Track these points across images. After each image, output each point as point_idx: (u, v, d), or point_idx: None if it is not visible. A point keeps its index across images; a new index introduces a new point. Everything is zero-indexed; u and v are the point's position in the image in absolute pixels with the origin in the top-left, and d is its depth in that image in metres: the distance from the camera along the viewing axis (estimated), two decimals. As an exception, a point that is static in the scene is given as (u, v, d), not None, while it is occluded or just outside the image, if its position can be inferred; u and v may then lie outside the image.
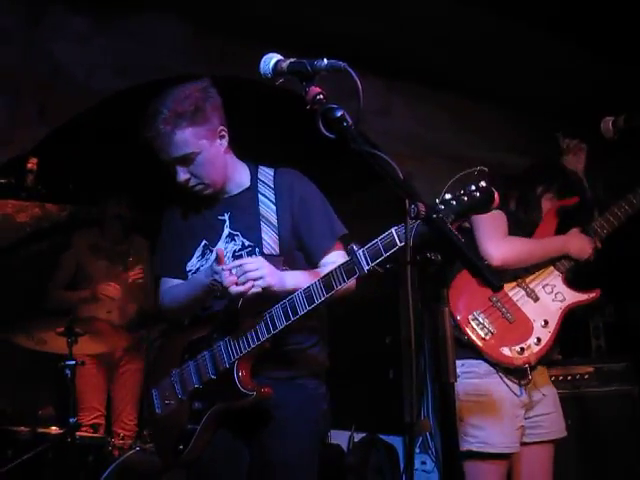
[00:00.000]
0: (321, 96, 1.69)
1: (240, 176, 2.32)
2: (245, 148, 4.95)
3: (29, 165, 5.00)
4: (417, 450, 5.36)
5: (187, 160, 2.17)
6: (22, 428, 3.66)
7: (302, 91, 1.72)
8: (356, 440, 5.25)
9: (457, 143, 4.60)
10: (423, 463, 5.33)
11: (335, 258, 2.26)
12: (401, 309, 5.45)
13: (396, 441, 5.28)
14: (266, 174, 2.34)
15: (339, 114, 1.63)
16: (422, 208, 1.42)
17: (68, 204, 5.28)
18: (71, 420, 3.44)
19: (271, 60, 1.79)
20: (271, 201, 2.27)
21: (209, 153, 2.19)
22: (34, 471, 3.52)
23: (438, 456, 5.19)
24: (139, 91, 3.44)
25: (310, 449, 2.24)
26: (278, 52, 1.80)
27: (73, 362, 3.48)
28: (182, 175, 2.19)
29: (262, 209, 2.25)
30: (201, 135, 2.17)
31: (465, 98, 4.65)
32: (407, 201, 1.48)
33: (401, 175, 1.53)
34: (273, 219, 2.25)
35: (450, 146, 4.53)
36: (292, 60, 1.77)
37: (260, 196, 2.27)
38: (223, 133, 2.23)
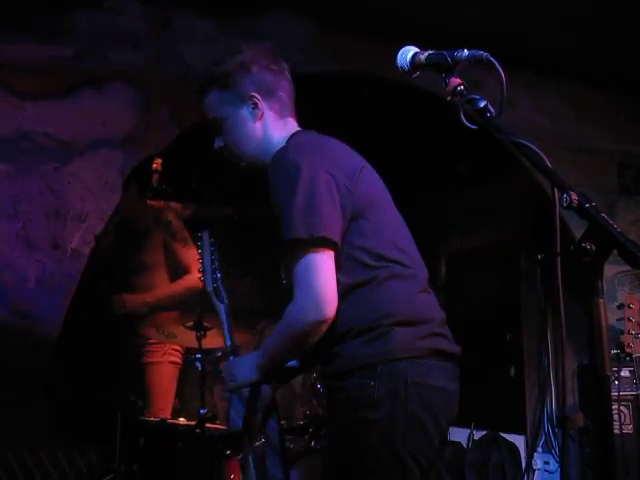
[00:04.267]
0: (462, 87, 1.66)
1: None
2: (366, 142, 4.98)
3: (154, 165, 5.19)
4: (539, 449, 5.25)
5: (216, 126, 2.06)
6: (152, 418, 3.80)
7: (442, 83, 1.71)
8: (476, 438, 5.19)
9: (583, 135, 4.47)
10: (546, 463, 5.21)
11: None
12: (522, 306, 5.34)
13: (518, 439, 5.18)
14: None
15: (482, 104, 1.60)
16: (575, 197, 1.38)
17: (191, 202, 5.43)
18: (202, 411, 3.54)
19: (408, 53, 1.78)
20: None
21: (234, 120, 2.03)
22: (164, 460, 3.66)
23: (562, 455, 5.07)
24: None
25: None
26: (402, 45, 1.79)
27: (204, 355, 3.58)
28: (216, 143, 2.10)
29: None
30: (226, 100, 2.03)
31: (590, 89, 4.53)
32: (556, 190, 1.44)
33: (549, 164, 1.50)
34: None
35: (576, 138, 4.41)
36: (431, 52, 1.75)
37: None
38: (255, 100, 2.01)
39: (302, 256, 1.84)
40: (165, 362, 4.30)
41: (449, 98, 1.69)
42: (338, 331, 1.90)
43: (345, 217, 1.90)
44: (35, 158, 3.20)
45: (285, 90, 2.07)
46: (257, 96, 2.01)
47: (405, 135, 4.78)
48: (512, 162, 3.96)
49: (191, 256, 4.24)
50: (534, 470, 5.21)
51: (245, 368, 2.05)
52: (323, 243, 1.84)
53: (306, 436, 3.60)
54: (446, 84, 1.69)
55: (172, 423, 3.76)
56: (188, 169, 5.05)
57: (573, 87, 4.45)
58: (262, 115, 2.02)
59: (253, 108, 2.02)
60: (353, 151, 2.07)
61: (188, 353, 3.72)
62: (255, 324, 5.21)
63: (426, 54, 1.75)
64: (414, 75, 1.80)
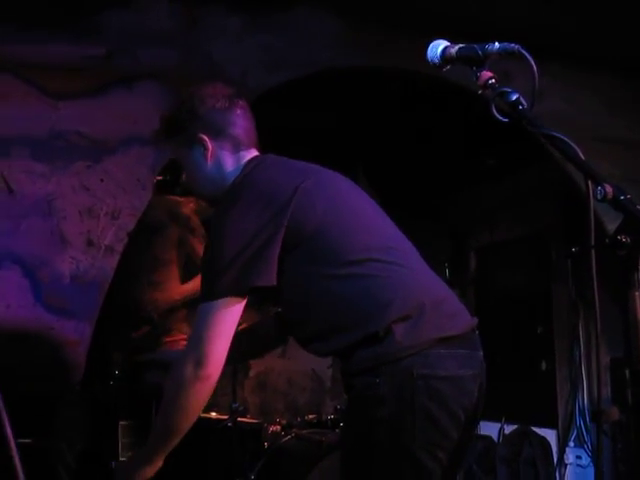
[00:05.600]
0: (493, 80, 1.66)
1: None
2: (395, 136, 4.98)
3: (183, 162, 5.22)
4: (571, 444, 5.22)
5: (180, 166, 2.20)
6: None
7: (473, 76, 1.71)
8: (506, 432, 5.18)
9: (613, 125, 4.42)
10: (578, 457, 5.18)
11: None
12: (553, 299, 5.31)
13: (549, 434, 5.16)
14: None
15: (514, 97, 1.60)
16: (609, 189, 1.38)
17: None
18: (234, 405, 3.59)
19: (439, 46, 1.78)
20: None
21: (188, 162, 2.13)
22: (196, 453, 3.70)
23: (596, 450, 5.04)
24: (292, 86, 3.55)
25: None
26: (430, 39, 1.79)
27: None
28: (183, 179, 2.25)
29: None
30: (180, 143, 2.14)
31: (620, 79, 4.48)
32: (590, 183, 1.44)
33: (582, 156, 1.49)
34: None
35: (606, 129, 4.37)
36: (461, 45, 1.75)
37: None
38: (204, 142, 2.09)
39: (203, 305, 1.88)
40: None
41: (480, 91, 1.69)
42: (340, 344, 1.90)
43: (272, 255, 1.88)
44: (68, 157, 3.24)
45: (237, 126, 2.10)
46: (205, 138, 2.07)
47: (434, 129, 4.78)
48: (542, 154, 3.93)
49: None
50: (566, 465, 5.18)
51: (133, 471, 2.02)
52: (229, 293, 1.85)
53: (337, 430, 3.62)
54: (477, 78, 1.69)
55: (204, 417, 3.81)
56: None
57: (603, 77, 4.40)
58: (213, 155, 2.08)
59: (204, 150, 2.07)
60: (292, 168, 2.08)
61: None
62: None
63: (457, 48, 1.75)
64: (444, 69, 1.80)
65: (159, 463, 2.01)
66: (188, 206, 4.49)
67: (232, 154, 2.10)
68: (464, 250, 6.08)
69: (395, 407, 1.81)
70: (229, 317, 1.86)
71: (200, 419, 3.73)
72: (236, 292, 1.87)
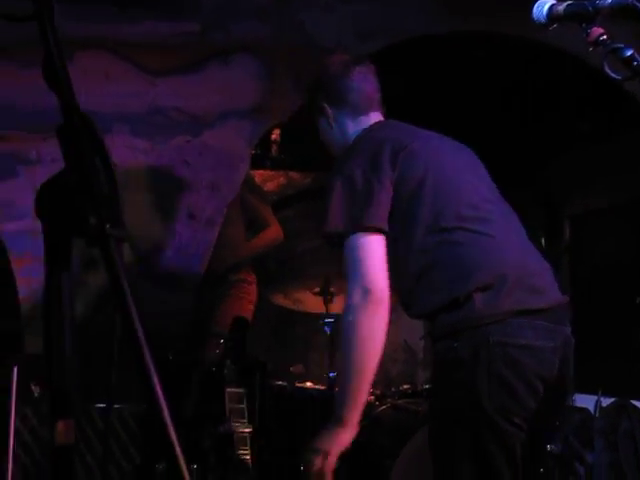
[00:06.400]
0: (605, 36, 1.62)
1: None
2: (482, 104, 4.89)
3: (273, 136, 5.29)
4: (674, 417, 5.07)
5: None
6: (281, 382, 3.91)
7: (583, 33, 1.67)
8: (603, 405, 5.07)
9: None
10: (681, 431, 5.03)
11: None
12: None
13: (650, 407, 5.02)
14: None
15: (629, 53, 1.56)
16: None
17: (311, 172, 5.50)
18: (331, 374, 3.64)
19: (545, 4, 1.74)
20: None
21: (320, 129, 2.32)
22: (292, 422, 3.77)
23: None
24: (385, 54, 3.52)
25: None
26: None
27: (332, 320, 3.66)
28: None
29: None
30: (312, 113, 2.33)
31: None
32: None
33: None
34: None
35: None
36: (569, 2, 1.71)
37: None
38: (327, 110, 2.27)
39: (346, 243, 1.97)
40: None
41: (591, 49, 1.65)
42: (425, 307, 2.00)
43: (386, 206, 1.99)
44: (168, 132, 3.33)
45: (354, 91, 2.24)
46: (327, 107, 2.25)
47: (527, 94, 4.67)
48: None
49: (268, 211, 4.31)
50: (667, 439, 5.04)
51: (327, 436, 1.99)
52: (366, 229, 1.96)
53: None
54: (587, 34, 1.65)
55: (300, 387, 3.87)
56: (308, 137, 5.11)
57: None
58: (335, 121, 2.25)
59: (327, 117, 2.26)
60: (404, 129, 2.21)
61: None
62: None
63: (564, 5, 1.71)
64: (551, 28, 1.77)
65: (354, 425, 1.97)
66: (277, 180, 4.54)
67: (353, 119, 2.24)
68: (558, 218, 5.93)
69: (472, 371, 1.86)
70: (374, 247, 1.95)
71: (297, 389, 3.82)
72: (369, 225, 1.96)
